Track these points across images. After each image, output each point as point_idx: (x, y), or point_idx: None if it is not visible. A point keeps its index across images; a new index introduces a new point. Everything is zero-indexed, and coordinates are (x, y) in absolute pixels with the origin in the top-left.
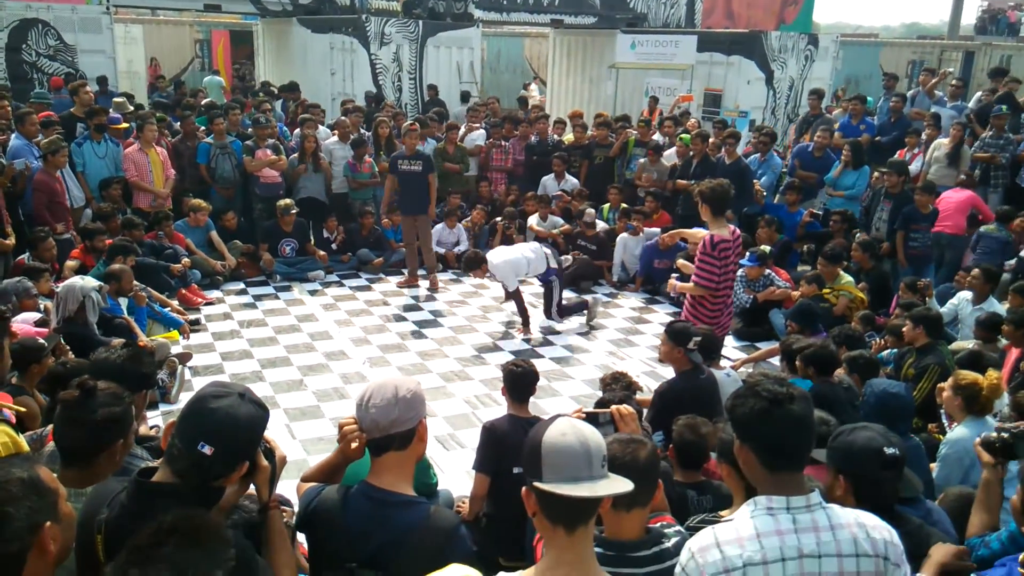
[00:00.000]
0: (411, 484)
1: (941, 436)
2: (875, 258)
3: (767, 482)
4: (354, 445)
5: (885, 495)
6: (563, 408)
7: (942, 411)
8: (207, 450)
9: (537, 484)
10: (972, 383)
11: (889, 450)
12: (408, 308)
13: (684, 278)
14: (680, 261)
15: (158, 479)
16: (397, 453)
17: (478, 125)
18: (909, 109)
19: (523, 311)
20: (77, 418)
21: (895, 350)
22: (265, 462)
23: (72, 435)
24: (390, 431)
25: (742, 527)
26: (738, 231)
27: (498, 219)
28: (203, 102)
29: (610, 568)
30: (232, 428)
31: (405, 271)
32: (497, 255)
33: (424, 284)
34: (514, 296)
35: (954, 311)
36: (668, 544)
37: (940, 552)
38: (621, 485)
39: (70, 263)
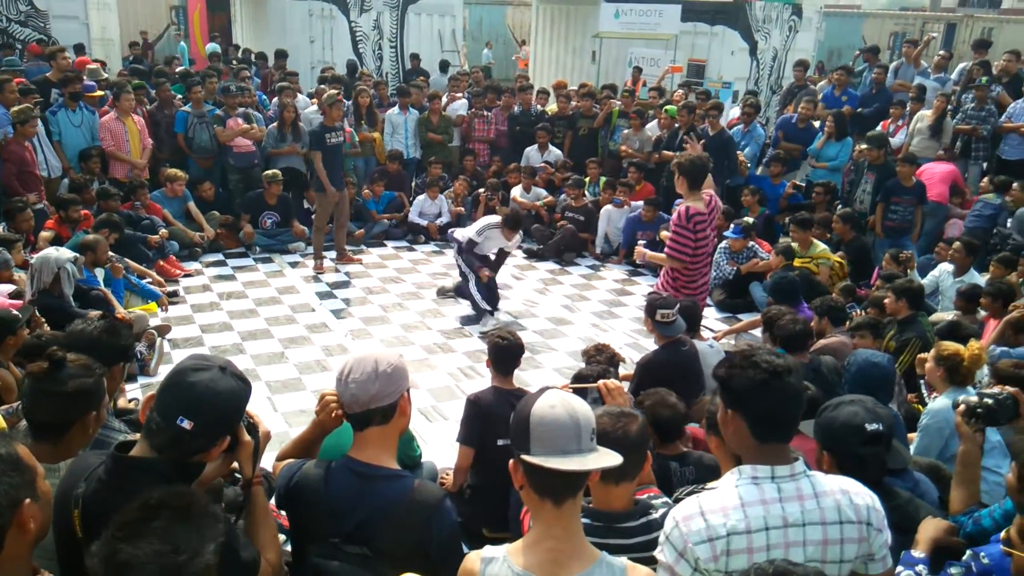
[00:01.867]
0: (394, 457)
1: (920, 407)
2: (856, 229)
3: (755, 452)
4: (332, 415)
5: (870, 470)
6: (546, 380)
7: (922, 382)
8: (186, 424)
9: (525, 457)
10: (954, 353)
11: (871, 426)
12: (389, 280)
13: (655, 248)
14: (663, 233)
15: (136, 453)
16: (379, 427)
17: (460, 95)
18: (892, 80)
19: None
20: (47, 390)
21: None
22: (248, 437)
23: (43, 408)
24: (370, 405)
25: (726, 496)
26: (716, 200)
27: (481, 190)
28: (178, 69)
29: (598, 539)
30: (212, 402)
31: (332, 252)
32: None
33: (335, 265)
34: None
35: (935, 283)
36: (656, 515)
37: (931, 527)
38: (610, 459)
39: (44, 234)
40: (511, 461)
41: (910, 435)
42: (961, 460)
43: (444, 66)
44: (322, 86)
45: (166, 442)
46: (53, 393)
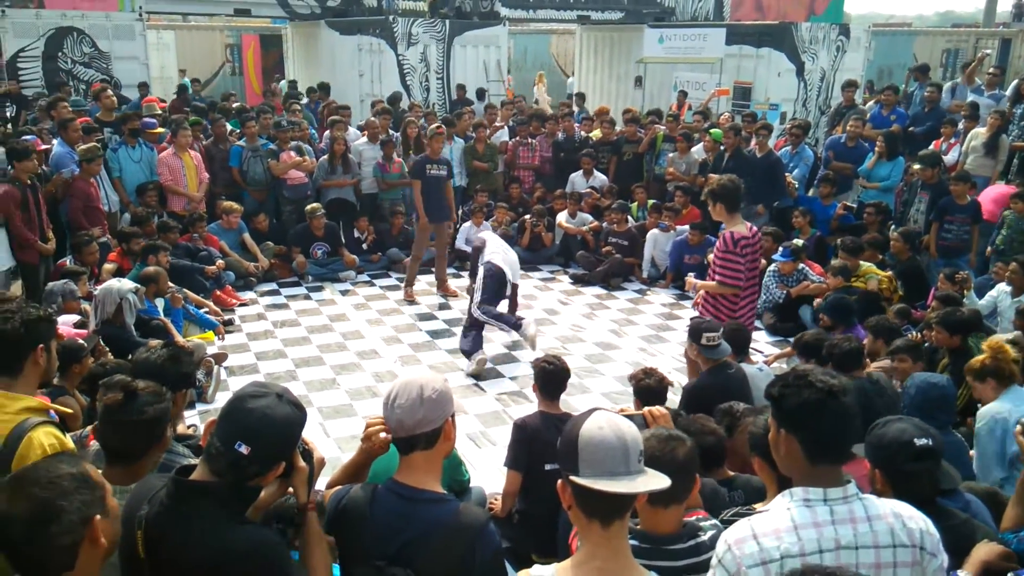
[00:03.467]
0: (439, 481)
1: None
2: (913, 249)
3: (807, 474)
4: (378, 442)
5: (922, 487)
6: (594, 405)
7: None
8: (244, 449)
9: (573, 478)
10: (984, 362)
11: (920, 441)
12: (439, 307)
13: (703, 273)
14: (711, 257)
15: (196, 477)
16: (424, 452)
17: (501, 124)
18: (950, 101)
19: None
20: (124, 420)
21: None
22: (303, 463)
23: (119, 436)
24: (416, 431)
25: (779, 519)
26: (756, 228)
27: (527, 217)
28: (234, 105)
29: (645, 561)
30: (269, 428)
31: (403, 281)
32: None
33: (425, 299)
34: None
35: (993, 303)
36: (704, 537)
37: (984, 550)
38: (658, 481)
39: (107, 266)
40: (559, 482)
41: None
42: (1022, 479)
43: (481, 95)
44: (372, 119)
45: (225, 466)
46: (129, 422)
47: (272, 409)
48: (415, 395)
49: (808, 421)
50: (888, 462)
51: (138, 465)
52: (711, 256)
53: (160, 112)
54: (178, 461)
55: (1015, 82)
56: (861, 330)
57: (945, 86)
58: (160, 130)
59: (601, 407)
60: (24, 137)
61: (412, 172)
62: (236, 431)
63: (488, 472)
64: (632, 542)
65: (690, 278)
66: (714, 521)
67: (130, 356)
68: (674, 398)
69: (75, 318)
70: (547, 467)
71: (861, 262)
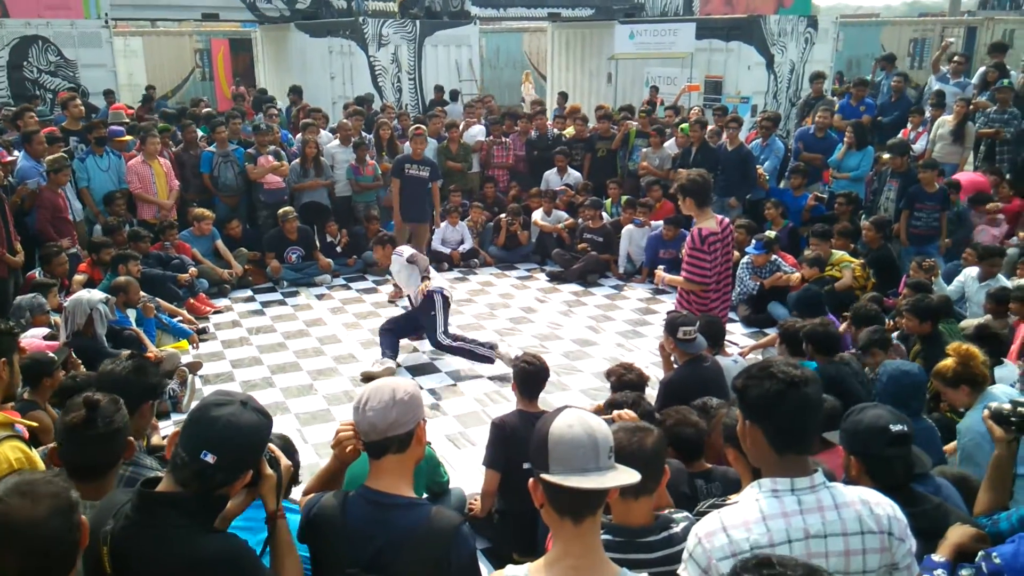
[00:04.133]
0: (411, 486)
1: (952, 415)
2: (885, 237)
3: (773, 464)
4: (349, 448)
5: (896, 473)
6: (573, 402)
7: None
8: (210, 458)
9: (544, 476)
10: (955, 369)
11: (895, 427)
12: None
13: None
14: (685, 251)
15: (162, 489)
16: (396, 456)
17: (475, 120)
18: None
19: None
20: (89, 436)
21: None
22: (270, 471)
23: (86, 453)
24: (388, 434)
25: (747, 510)
26: (727, 221)
27: (502, 215)
28: (203, 111)
29: (620, 554)
30: (234, 436)
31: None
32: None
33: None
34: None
35: (961, 288)
36: (677, 529)
37: (958, 533)
38: (628, 476)
39: (78, 277)
40: (531, 480)
41: (948, 446)
42: (993, 463)
43: (455, 96)
44: (344, 121)
45: (190, 476)
46: (97, 437)
47: (237, 417)
48: (387, 398)
49: (771, 411)
50: (864, 448)
51: (104, 480)
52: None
53: (128, 120)
54: (144, 474)
55: (981, 69)
56: (833, 321)
57: (929, 79)
58: (128, 138)
59: (572, 405)
60: None
61: (392, 171)
62: (201, 440)
63: (468, 472)
64: (606, 536)
65: (659, 272)
66: (686, 513)
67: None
68: (651, 392)
69: (45, 331)
70: (526, 466)
71: (834, 250)
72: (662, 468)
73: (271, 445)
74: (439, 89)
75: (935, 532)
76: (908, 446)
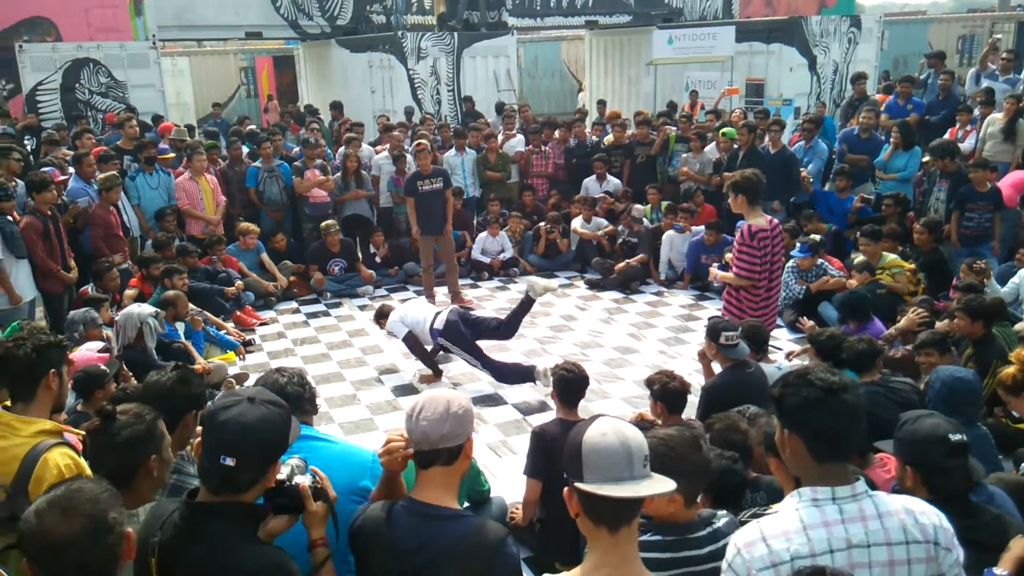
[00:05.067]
0: (456, 498)
1: (1008, 421)
2: (936, 240)
3: (814, 473)
4: (399, 457)
5: (956, 483)
6: (614, 410)
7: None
8: (230, 461)
9: (578, 485)
10: (1015, 375)
11: (955, 436)
12: None
13: (726, 269)
14: (728, 256)
15: (201, 499)
16: (443, 468)
17: (513, 132)
18: (972, 89)
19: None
20: (103, 443)
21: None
22: (315, 506)
23: (103, 460)
24: (439, 445)
25: (787, 520)
26: (776, 221)
27: (541, 224)
28: (247, 128)
29: (672, 553)
30: (247, 434)
31: (420, 295)
32: (400, 311)
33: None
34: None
35: (1016, 290)
36: (719, 524)
37: (1021, 545)
38: (663, 485)
39: (129, 292)
40: (566, 489)
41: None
42: None
43: (499, 108)
44: (395, 133)
45: (218, 482)
46: (109, 445)
47: (244, 415)
48: (442, 409)
49: (809, 420)
50: (923, 458)
51: (133, 488)
52: (728, 256)
53: (186, 138)
54: (188, 482)
55: None
56: (879, 324)
57: (968, 74)
58: (171, 155)
59: (606, 413)
60: (43, 169)
61: (405, 191)
62: (217, 446)
63: (509, 481)
64: (655, 537)
65: (713, 269)
66: (724, 512)
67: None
68: (693, 400)
69: (99, 344)
70: (566, 475)
71: (884, 253)
72: (709, 473)
73: (319, 472)
74: (468, 100)
75: (996, 545)
76: (967, 456)
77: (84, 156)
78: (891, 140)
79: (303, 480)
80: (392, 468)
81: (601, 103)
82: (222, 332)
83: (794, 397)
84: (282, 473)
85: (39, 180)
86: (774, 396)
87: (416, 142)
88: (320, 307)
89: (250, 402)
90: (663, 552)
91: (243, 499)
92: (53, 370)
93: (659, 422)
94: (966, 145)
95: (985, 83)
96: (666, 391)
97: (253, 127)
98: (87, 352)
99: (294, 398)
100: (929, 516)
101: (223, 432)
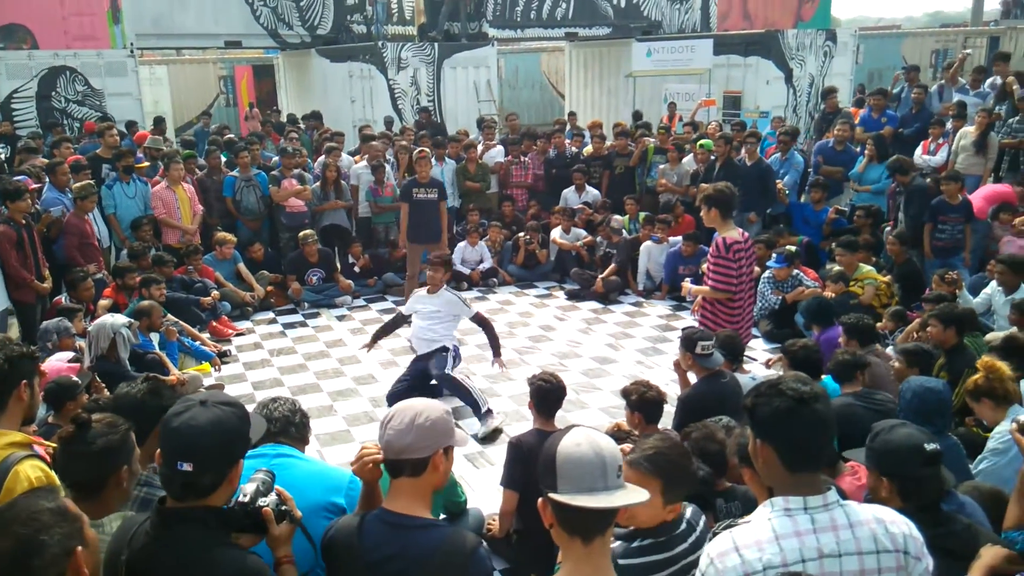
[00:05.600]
0: (428, 508)
1: (978, 430)
2: (911, 250)
3: (786, 482)
4: (368, 467)
5: (929, 492)
6: (592, 420)
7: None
8: (187, 467)
9: (552, 495)
10: (978, 382)
11: (929, 446)
12: None
13: (698, 282)
14: (705, 267)
15: (169, 506)
16: (410, 479)
17: (494, 142)
18: (939, 105)
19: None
20: (76, 452)
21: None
22: (278, 530)
23: (74, 468)
24: (402, 456)
25: (760, 530)
26: (747, 234)
27: (520, 234)
28: (225, 137)
29: (667, 553)
30: (200, 438)
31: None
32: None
33: None
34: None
35: (987, 301)
36: (687, 513)
37: (990, 555)
38: (636, 495)
39: (103, 302)
40: (540, 500)
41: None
42: (1022, 476)
43: (480, 123)
44: (374, 143)
45: (179, 489)
46: (82, 454)
47: (195, 419)
48: (408, 420)
49: (781, 429)
50: (898, 468)
51: (101, 498)
52: (705, 266)
53: (164, 146)
54: (158, 495)
55: (996, 79)
56: (839, 330)
57: (931, 88)
58: (145, 164)
59: (580, 424)
60: (16, 177)
61: (400, 195)
62: (172, 453)
63: (487, 493)
64: (647, 541)
65: (687, 283)
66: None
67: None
68: (669, 409)
69: (69, 355)
70: (541, 485)
71: (861, 264)
72: (691, 476)
73: (287, 495)
74: (425, 111)
75: (966, 553)
76: (939, 465)
77: (59, 165)
78: (865, 152)
79: (266, 501)
80: (362, 476)
81: (572, 115)
82: (197, 343)
83: (766, 407)
84: (248, 490)
85: (13, 189)
86: (747, 406)
87: (418, 149)
88: (297, 317)
89: (202, 405)
90: (661, 552)
91: (209, 503)
92: (25, 381)
93: (636, 432)
94: (938, 158)
95: (957, 97)
96: (643, 401)
97: (231, 136)
98: (57, 363)
99: (279, 421)
100: (899, 525)
101: (176, 438)
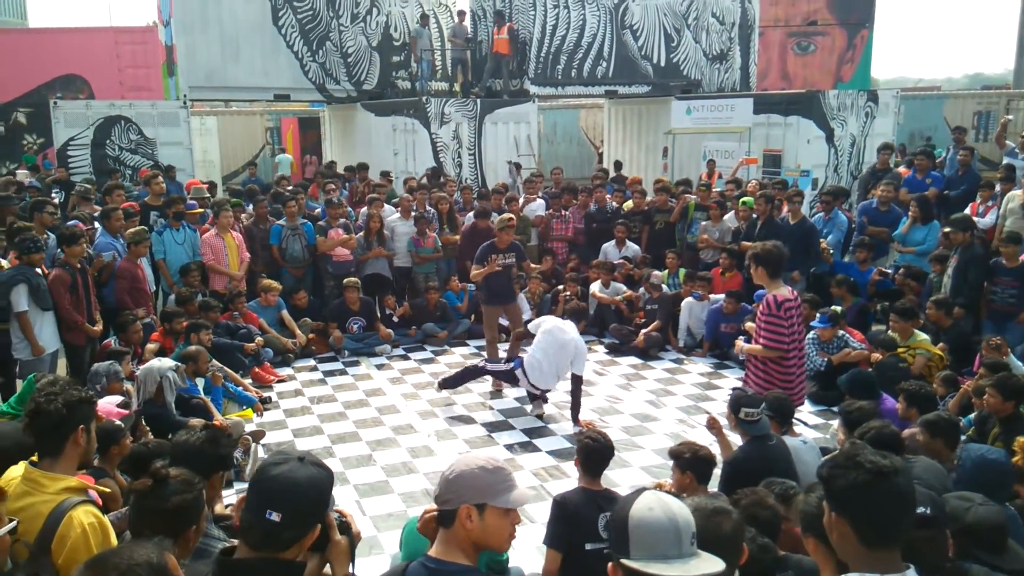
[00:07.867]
0: (469, 558)
1: None
2: (950, 315)
3: (862, 559)
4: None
5: (925, 557)
6: (634, 479)
7: None
8: (275, 517)
9: (625, 561)
10: None
11: (920, 509)
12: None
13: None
14: (748, 324)
15: (238, 556)
16: (444, 529)
17: (534, 196)
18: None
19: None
20: (151, 507)
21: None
22: (339, 537)
23: (147, 523)
24: (435, 504)
25: None
26: (795, 292)
27: (559, 288)
28: (273, 190)
29: None
30: (295, 491)
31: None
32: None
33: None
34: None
35: None
36: None
37: None
38: (712, 565)
39: (150, 346)
40: (610, 565)
41: None
42: None
43: (518, 167)
44: (405, 195)
45: (260, 538)
46: (157, 510)
47: (295, 472)
48: (447, 470)
49: (858, 504)
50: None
51: (175, 547)
52: (748, 324)
53: (207, 195)
54: (215, 546)
55: None
56: (889, 401)
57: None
58: (200, 211)
59: (645, 486)
60: (69, 222)
61: (476, 260)
62: (264, 500)
63: (526, 551)
64: None
65: (739, 342)
66: None
67: (170, 436)
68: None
69: (118, 399)
70: (588, 547)
71: (917, 332)
72: (741, 551)
73: (343, 509)
74: (435, 170)
75: None
76: (937, 529)
77: (113, 211)
78: (909, 214)
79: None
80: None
81: (618, 164)
82: (240, 388)
83: (842, 480)
84: None
85: (70, 234)
86: (822, 476)
87: (507, 216)
88: (338, 365)
89: (300, 461)
90: None
91: (280, 558)
92: (82, 426)
93: (684, 495)
94: (987, 220)
95: (1005, 160)
96: (697, 460)
97: (279, 188)
98: (107, 406)
99: None
100: None
101: (272, 486)
